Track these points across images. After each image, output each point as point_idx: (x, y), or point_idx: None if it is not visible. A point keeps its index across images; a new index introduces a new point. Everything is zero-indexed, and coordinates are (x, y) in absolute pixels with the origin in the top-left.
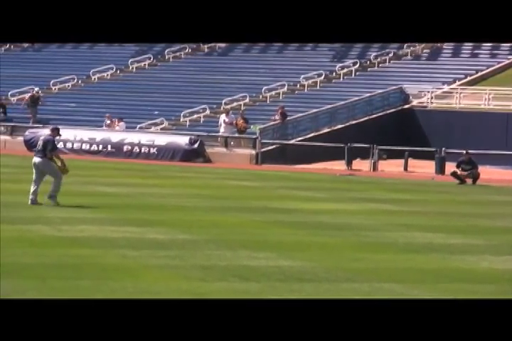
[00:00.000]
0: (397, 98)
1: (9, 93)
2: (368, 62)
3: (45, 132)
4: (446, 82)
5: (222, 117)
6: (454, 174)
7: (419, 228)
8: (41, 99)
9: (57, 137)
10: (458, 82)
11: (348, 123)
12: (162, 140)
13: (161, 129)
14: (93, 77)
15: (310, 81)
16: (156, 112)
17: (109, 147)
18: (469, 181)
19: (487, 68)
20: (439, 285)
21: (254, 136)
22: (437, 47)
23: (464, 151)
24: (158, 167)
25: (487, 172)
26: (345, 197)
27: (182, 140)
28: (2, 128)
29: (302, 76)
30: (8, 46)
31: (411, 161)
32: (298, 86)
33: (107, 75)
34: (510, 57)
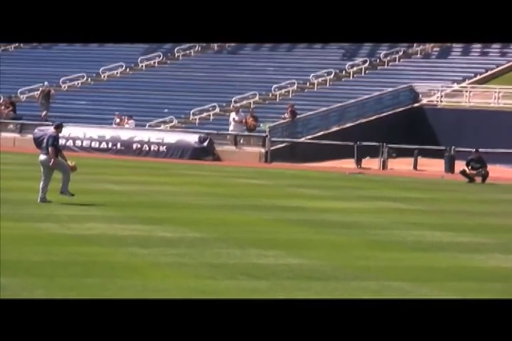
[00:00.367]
0: (406, 96)
1: (19, 91)
2: (378, 61)
3: (52, 130)
4: (456, 80)
5: (232, 115)
6: (463, 173)
7: (428, 226)
8: (52, 92)
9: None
10: (468, 81)
11: (357, 122)
12: (171, 138)
13: (171, 127)
14: (103, 75)
15: (320, 79)
16: (166, 110)
17: (118, 145)
18: (478, 180)
19: (497, 67)
20: (447, 283)
21: (264, 134)
22: (447, 46)
23: (474, 149)
24: (167, 165)
25: (496, 171)
26: (354, 195)
27: (191, 138)
28: (12, 126)
29: (312, 74)
30: (17, 44)
31: (420, 160)
32: (308, 84)
33: (117, 73)
34: None
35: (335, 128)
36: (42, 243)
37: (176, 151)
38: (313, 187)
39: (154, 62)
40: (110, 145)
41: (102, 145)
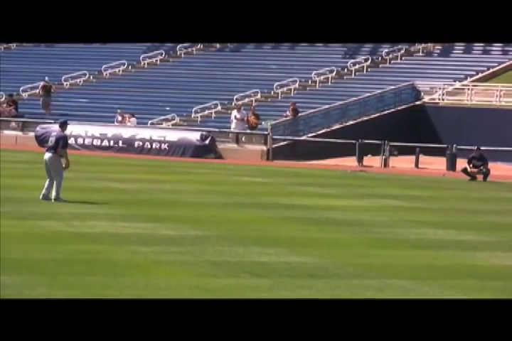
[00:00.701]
0: (408, 94)
1: (21, 88)
2: (380, 59)
3: (55, 128)
4: (457, 78)
5: (234, 113)
6: (464, 171)
7: (430, 224)
8: (53, 87)
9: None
10: (469, 79)
11: (359, 120)
12: (173, 136)
13: (173, 125)
14: (105, 73)
15: (322, 77)
16: (168, 108)
17: (120, 143)
18: (480, 178)
19: (499, 65)
20: (449, 281)
21: (266, 132)
22: (449, 44)
23: (475, 147)
24: (169, 163)
25: (498, 169)
26: (356, 193)
27: (193, 136)
28: (13, 123)
29: (314, 72)
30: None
31: (422, 158)
32: (309, 82)
33: (119, 71)
34: None
35: (337, 126)
36: (44, 241)
37: (178, 149)
38: (315, 185)
39: (156, 60)
40: (112, 143)
41: (103, 143)
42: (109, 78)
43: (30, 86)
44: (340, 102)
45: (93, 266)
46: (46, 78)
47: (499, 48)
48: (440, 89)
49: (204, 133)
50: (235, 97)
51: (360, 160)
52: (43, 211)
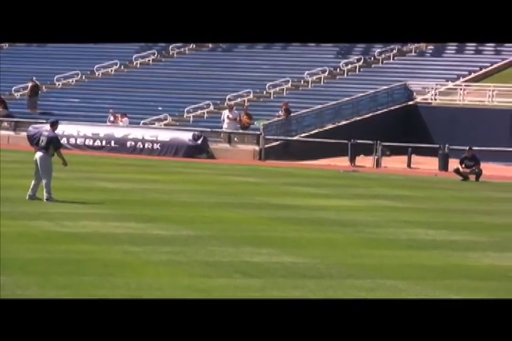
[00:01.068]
0: (401, 94)
1: (13, 88)
2: (373, 59)
3: (48, 127)
4: (450, 78)
5: (226, 113)
6: (456, 171)
7: (422, 225)
8: (40, 87)
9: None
10: (462, 79)
11: (352, 120)
12: (165, 136)
13: (165, 125)
14: (97, 73)
15: (314, 77)
16: (160, 108)
17: (112, 142)
18: (472, 178)
19: (491, 65)
20: (441, 281)
21: (258, 132)
22: (441, 44)
23: (467, 147)
24: (161, 163)
25: (490, 169)
26: (348, 193)
27: (185, 136)
28: (6, 123)
29: (306, 72)
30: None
31: (414, 158)
32: (302, 82)
33: (111, 71)
34: None
35: (329, 126)
36: (36, 241)
37: (170, 149)
38: (308, 185)
39: (149, 60)
40: (104, 143)
41: (96, 143)
42: (101, 78)
43: (22, 86)
44: (333, 102)
45: (85, 266)
46: (34, 78)
47: (491, 48)
48: (432, 89)
49: (196, 133)
50: (227, 97)
51: (352, 160)
52: (34, 211)
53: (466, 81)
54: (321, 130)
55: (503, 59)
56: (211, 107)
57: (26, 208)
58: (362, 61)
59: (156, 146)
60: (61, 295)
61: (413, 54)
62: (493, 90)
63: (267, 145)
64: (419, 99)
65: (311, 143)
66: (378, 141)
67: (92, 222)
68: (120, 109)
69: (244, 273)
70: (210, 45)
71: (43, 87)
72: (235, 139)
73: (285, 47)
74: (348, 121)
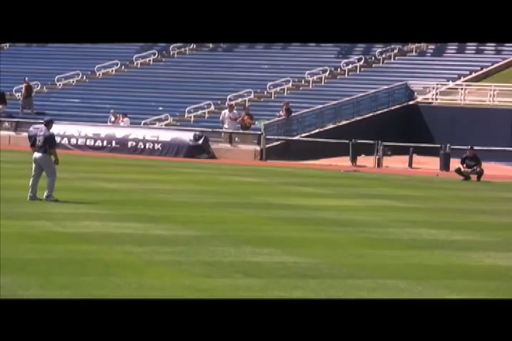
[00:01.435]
0: (402, 94)
1: (14, 88)
2: (373, 58)
3: (43, 127)
4: (451, 78)
5: (226, 113)
6: (458, 171)
7: (424, 224)
8: (31, 86)
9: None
10: (463, 78)
11: (352, 120)
12: (166, 136)
13: (166, 125)
14: (98, 73)
15: (315, 77)
16: (161, 108)
17: (113, 143)
18: (474, 177)
19: (492, 64)
20: (443, 281)
21: (259, 132)
22: (442, 44)
23: (468, 147)
24: (162, 163)
25: (492, 169)
26: (349, 193)
27: (186, 136)
28: (7, 124)
29: (307, 72)
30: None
31: (415, 157)
32: (303, 82)
33: (112, 71)
34: None
35: (330, 126)
36: (37, 241)
37: (171, 149)
38: (309, 185)
39: (149, 60)
40: (105, 143)
41: (97, 143)
42: (102, 78)
43: (22, 86)
44: (334, 102)
45: (86, 266)
46: (26, 78)
47: (492, 48)
48: (433, 88)
49: (197, 133)
50: (228, 97)
51: (353, 160)
52: (35, 211)
53: (467, 80)
54: (322, 130)
55: (503, 58)
56: (212, 107)
57: (27, 208)
58: (363, 61)
59: (157, 146)
60: (62, 296)
61: (414, 54)
62: (494, 90)
63: (268, 145)
64: (420, 98)
65: (312, 143)
66: (379, 141)
67: (92, 222)
68: (121, 109)
69: (245, 273)
70: (211, 45)
71: (44, 88)
72: (236, 139)
73: (286, 47)
74: (348, 121)
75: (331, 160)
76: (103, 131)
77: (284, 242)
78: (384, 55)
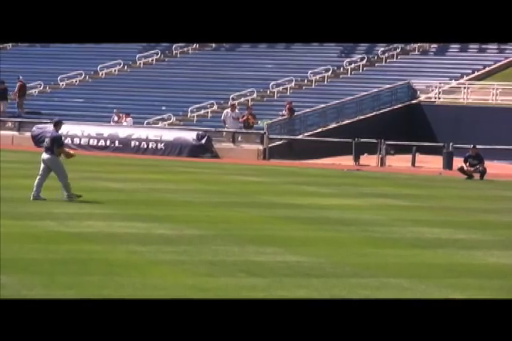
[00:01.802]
0: (404, 93)
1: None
2: (376, 58)
3: (51, 128)
4: (453, 77)
5: (228, 113)
6: (461, 170)
7: (427, 223)
8: (24, 86)
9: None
10: (465, 77)
11: (355, 119)
12: (169, 135)
13: (169, 125)
14: (101, 73)
15: (318, 76)
16: (164, 108)
17: (116, 142)
18: (477, 176)
19: (494, 63)
20: (446, 280)
21: (262, 132)
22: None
23: (471, 146)
24: (165, 162)
25: (495, 168)
26: (352, 192)
27: (189, 135)
28: (10, 123)
29: (310, 71)
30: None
31: (418, 156)
32: (306, 81)
33: (115, 71)
34: None
35: (333, 125)
36: (40, 241)
37: (174, 149)
38: (312, 184)
39: (152, 60)
40: (108, 142)
41: (100, 143)
42: (104, 78)
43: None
44: (337, 101)
45: (90, 266)
46: (20, 77)
47: (495, 47)
48: (436, 87)
49: (200, 132)
50: (231, 97)
51: (356, 159)
52: (38, 211)
53: (469, 79)
54: (324, 129)
55: (506, 57)
56: (215, 107)
57: (30, 208)
58: (365, 60)
59: (160, 146)
60: (66, 295)
61: (416, 53)
62: (497, 88)
63: (271, 145)
64: (422, 97)
65: (315, 142)
66: (382, 140)
67: (96, 222)
68: (124, 109)
69: (248, 272)
70: (214, 45)
71: (47, 88)
72: (239, 139)
73: (288, 46)
74: (351, 120)
75: (334, 159)
76: (106, 130)
77: (287, 241)
78: (386, 54)
